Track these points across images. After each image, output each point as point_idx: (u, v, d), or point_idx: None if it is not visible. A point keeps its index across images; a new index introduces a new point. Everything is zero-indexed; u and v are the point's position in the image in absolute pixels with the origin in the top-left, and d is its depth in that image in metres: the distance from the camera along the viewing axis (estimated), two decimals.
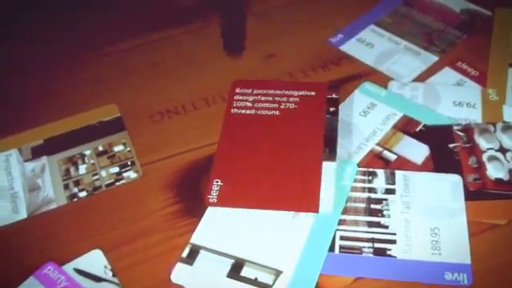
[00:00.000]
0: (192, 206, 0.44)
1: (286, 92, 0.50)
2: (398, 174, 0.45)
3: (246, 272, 0.40)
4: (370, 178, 0.44)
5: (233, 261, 0.40)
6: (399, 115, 0.49)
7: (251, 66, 0.55)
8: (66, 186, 0.46)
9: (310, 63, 0.54)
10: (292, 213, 0.42)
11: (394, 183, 0.44)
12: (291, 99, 0.50)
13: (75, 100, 0.52)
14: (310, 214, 0.42)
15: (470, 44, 0.55)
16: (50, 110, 0.52)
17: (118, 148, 0.48)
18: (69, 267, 0.40)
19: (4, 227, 0.44)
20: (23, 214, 0.44)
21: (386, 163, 0.46)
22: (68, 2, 0.61)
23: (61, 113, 0.51)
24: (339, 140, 0.47)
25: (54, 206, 0.45)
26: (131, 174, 0.46)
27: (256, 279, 0.39)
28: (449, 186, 0.43)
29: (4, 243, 0.43)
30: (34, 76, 0.55)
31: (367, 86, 0.51)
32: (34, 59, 0.57)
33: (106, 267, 0.40)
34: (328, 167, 0.44)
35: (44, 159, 0.48)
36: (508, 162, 0.45)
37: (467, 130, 0.47)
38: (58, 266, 0.40)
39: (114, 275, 0.40)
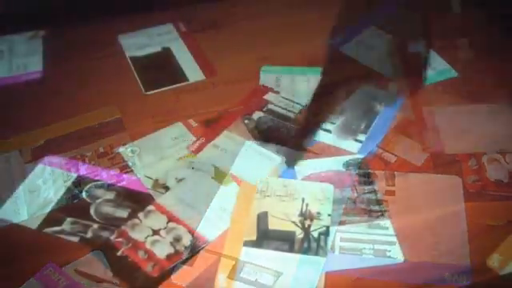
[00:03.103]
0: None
1: None
2: (398, 175, 0.45)
3: (246, 273, 0.40)
4: (371, 179, 0.45)
5: (233, 262, 0.40)
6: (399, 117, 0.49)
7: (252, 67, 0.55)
8: (67, 187, 0.46)
9: (310, 65, 0.54)
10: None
11: (393, 185, 0.44)
12: None
13: (76, 101, 0.53)
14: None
15: None
16: (50, 111, 0.52)
17: (119, 149, 0.48)
18: (69, 268, 0.40)
19: (5, 228, 0.44)
20: (24, 215, 0.44)
21: (386, 164, 0.46)
22: (67, 3, 0.61)
23: (61, 114, 0.51)
24: (340, 141, 0.47)
25: (54, 206, 0.45)
26: (132, 175, 0.46)
27: (256, 280, 0.39)
28: (448, 188, 0.43)
29: (5, 244, 0.43)
30: (35, 78, 0.55)
31: (367, 88, 0.51)
32: (34, 61, 0.57)
33: (106, 268, 0.40)
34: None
35: (44, 160, 0.48)
36: (507, 163, 0.45)
37: None
38: (59, 267, 0.40)
39: (114, 276, 0.40)
